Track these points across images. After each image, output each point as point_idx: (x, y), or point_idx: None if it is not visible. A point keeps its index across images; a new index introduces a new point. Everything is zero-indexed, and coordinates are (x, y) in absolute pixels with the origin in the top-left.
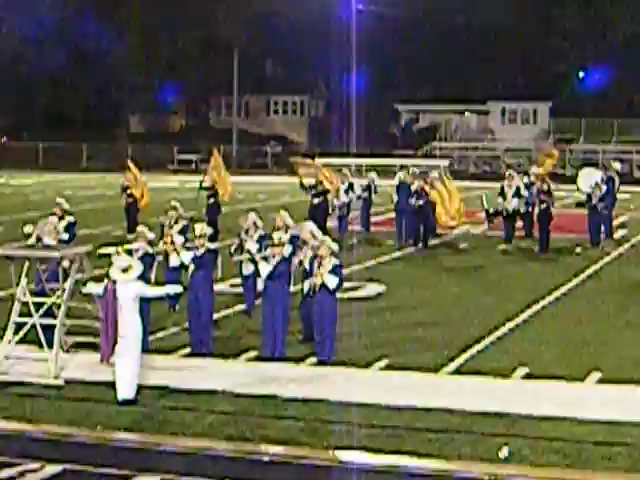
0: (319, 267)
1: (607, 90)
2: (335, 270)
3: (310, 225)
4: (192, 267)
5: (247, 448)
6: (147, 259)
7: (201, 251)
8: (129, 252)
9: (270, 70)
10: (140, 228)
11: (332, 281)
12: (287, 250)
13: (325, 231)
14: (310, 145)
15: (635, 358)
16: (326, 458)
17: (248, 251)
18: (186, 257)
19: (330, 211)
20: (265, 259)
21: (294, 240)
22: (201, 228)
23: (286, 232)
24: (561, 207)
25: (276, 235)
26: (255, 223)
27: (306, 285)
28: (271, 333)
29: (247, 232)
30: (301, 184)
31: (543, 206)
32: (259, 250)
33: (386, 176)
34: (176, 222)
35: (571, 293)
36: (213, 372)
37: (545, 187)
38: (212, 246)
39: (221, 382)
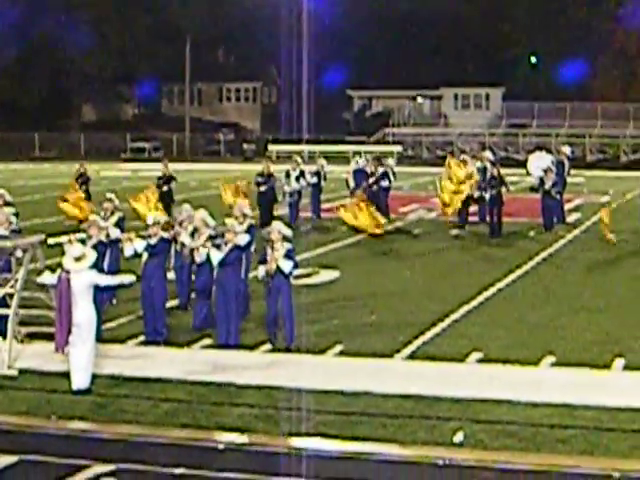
0: (272, 252)
1: (559, 74)
2: (289, 254)
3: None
4: (145, 256)
5: (202, 436)
6: (101, 248)
7: (155, 240)
8: (82, 241)
9: (222, 57)
10: (92, 217)
11: (287, 265)
12: (243, 238)
13: (272, 218)
14: (263, 132)
15: (589, 341)
16: (281, 445)
17: (182, 243)
18: (140, 246)
19: (280, 198)
20: (217, 247)
21: (252, 229)
22: (154, 217)
23: (243, 221)
24: (515, 191)
25: (229, 221)
26: (190, 216)
27: (260, 271)
28: (225, 321)
29: (181, 224)
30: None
31: (494, 191)
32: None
33: (339, 162)
34: (112, 214)
35: (525, 277)
36: (167, 360)
37: (496, 172)
38: (165, 235)
39: (175, 370)
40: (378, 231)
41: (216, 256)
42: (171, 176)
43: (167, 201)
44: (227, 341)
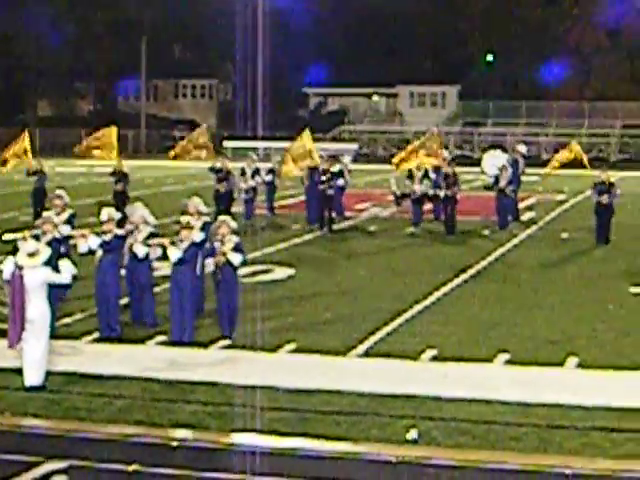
0: (221, 245)
1: (515, 73)
2: (237, 247)
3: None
4: (100, 252)
5: (155, 433)
6: (55, 244)
7: (109, 236)
8: (36, 237)
9: (178, 54)
10: (47, 213)
11: (236, 258)
12: (198, 236)
13: (230, 215)
14: (218, 129)
15: (543, 339)
16: (234, 442)
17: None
18: (94, 242)
19: (236, 195)
20: (174, 244)
21: (207, 226)
22: (108, 213)
23: (199, 218)
24: (469, 190)
25: (184, 219)
26: (143, 217)
27: (210, 264)
28: (179, 318)
29: (137, 227)
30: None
31: (449, 189)
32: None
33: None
34: (62, 211)
35: (479, 275)
36: (121, 357)
37: (450, 170)
38: (120, 231)
39: (129, 367)
40: None
41: (174, 253)
42: (124, 173)
43: (122, 198)
44: (181, 338)
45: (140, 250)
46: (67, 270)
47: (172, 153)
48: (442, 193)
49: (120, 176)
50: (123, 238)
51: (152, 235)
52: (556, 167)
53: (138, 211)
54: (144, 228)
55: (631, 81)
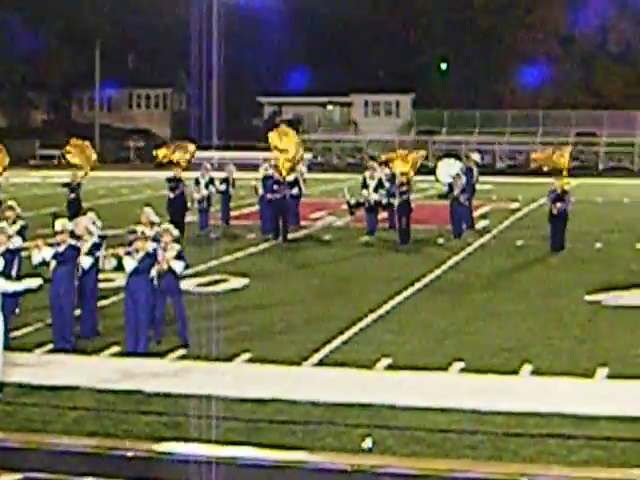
0: (163, 253)
1: (469, 82)
2: (180, 255)
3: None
4: (54, 263)
5: (110, 444)
6: (8, 255)
7: (62, 247)
8: None
9: (132, 64)
10: (0, 224)
11: (178, 265)
12: (151, 246)
13: (183, 224)
14: (173, 139)
15: (498, 347)
16: (189, 452)
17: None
18: (47, 253)
19: (190, 205)
20: (129, 254)
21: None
22: (62, 224)
23: (151, 228)
24: (424, 198)
25: (140, 229)
26: (87, 228)
27: (152, 271)
28: (133, 328)
29: (81, 238)
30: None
31: (403, 197)
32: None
33: (249, 169)
34: (14, 222)
35: (434, 284)
36: (75, 368)
37: (405, 179)
38: (73, 242)
39: (84, 378)
40: None
41: (129, 264)
42: (78, 183)
43: (75, 209)
44: (135, 349)
45: (85, 261)
46: (29, 282)
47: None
48: (396, 202)
49: (74, 186)
50: (77, 249)
51: (95, 246)
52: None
53: (82, 222)
54: (89, 239)
55: (584, 89)
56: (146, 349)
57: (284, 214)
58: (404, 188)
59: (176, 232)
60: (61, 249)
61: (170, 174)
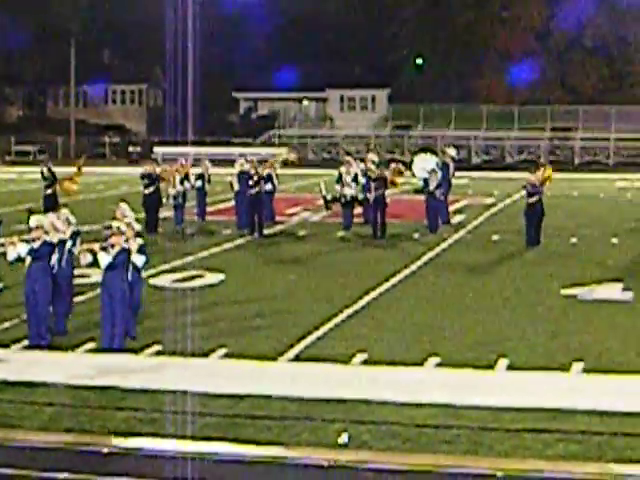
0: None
1: (445, 76)
2: (141, 249)
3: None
4: (29, 259)
5: (86, 440)
6: (46, 248)
7: (38, 243)
8: None
9: (108, 59)
10: (35, 220)
11: (140, 260)
12: (126, 242)
13: (157, 220)
14: (148, 134)
15: (473, 342)
16: (166, 448)
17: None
18: (22, 250)
19: (165, 201)
20: (104, 249)
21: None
22: (37, 220)
23: (128, 224)
24: (399, 193)
25: (115, 224)
26: (53, 224)
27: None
28: (110, 324)
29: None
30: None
31: (378, 192)
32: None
33: (225, 165)
34: None
35: (409, 279)
36: (51, 364)
37: (380, 173)
38: (49, 238)
39: (59, 374)
40: None
41: (104, 259)
42: (55, 177)
43: (51, 204)
44: (111, 345)
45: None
46: None
47: None
48: (372, 196)
49: (51, 181)
50: (53, 245)
51: (61, 242)
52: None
53: (48, 217)
54: (54, 235)
55: (560, 85)
56: (122, 345)
57: (260, 209)
58: (379, 183)
59: (138, 226)
60: (36, 245)
61: (144, 170)
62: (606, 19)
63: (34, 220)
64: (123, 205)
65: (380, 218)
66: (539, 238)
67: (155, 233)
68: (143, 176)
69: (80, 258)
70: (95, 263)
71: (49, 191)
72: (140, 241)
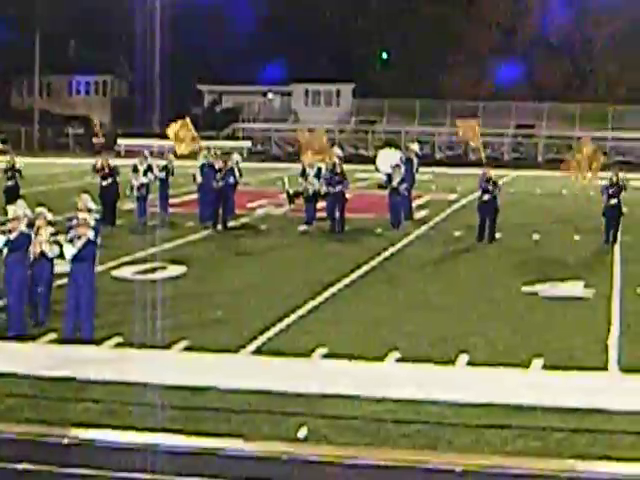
0: (36, 236)
1: (410, 72)
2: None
3: None
4: (5, 250)
5: (46, 431)
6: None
7: (14, 234)
8: None
9: (73, 50)
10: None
11: (53, 250)
12: (92, 233)
13: (115, 213)
14: (113, 126)
15: (433, 337)
16: (127, 441)
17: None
18: None
19: (128, 192)
20: (71, 241)
21: (97, 224)
22: (14, 211)
23: (90, 215)
24: (364, 188)
25: (81, 215)
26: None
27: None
28: (73, 316)
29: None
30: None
31: (339, 187)
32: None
33: (188, 157)
34: None
35: (371, 273)
36: (12, 355)
37: (339, 168)
38: (26, 229)
39: (20, 365)
40: None
41: (69, 251)
42: (17, 169)
43: (13, 195)
44: (73, 335)
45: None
46: None
47: None
48: (336, 191)
49: (13, 172)
50: (29, 236)
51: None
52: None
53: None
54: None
55: (525, 81)
56: (91, 337)
57: (225, 203)
58: (338, 178)
59: (50, 216)
60: (13, 236)
61: (99, 164)
62: (571, 18)
63: (11, 211)
64: (85, 196)
65: (339, 212)
66: (494, 234)
67: (113, 226)
68: (97, 169)
69: (48, 249)
70: (61, 255)
71: (11, 182)
72: (52, 229)
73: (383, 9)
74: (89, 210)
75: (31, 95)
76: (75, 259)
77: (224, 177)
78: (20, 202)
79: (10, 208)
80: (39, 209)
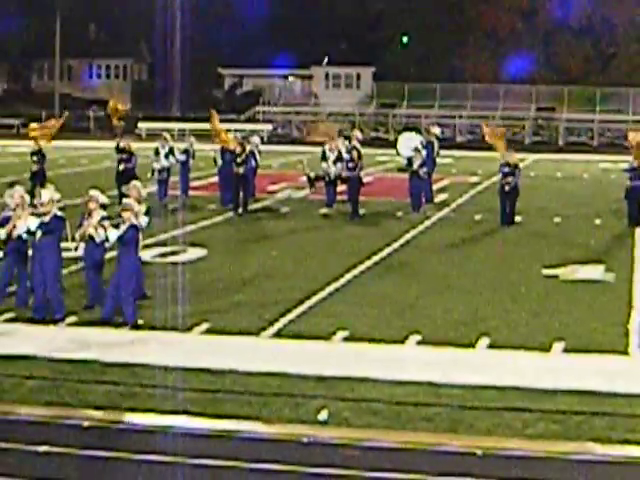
0: (87, 219)
1: (430, 55)
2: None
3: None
4: (39, 233)
5: (66, 413)
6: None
7: (48, 217)
8: None
9: (93, 33)
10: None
11: (99, 234)
12: (144, 220)
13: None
14: (133, 109)
15: (454, 320)
16: (147, 423)
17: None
18: (32, 224)
19: (149, 175)
20: (116, 226)
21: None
22: (48, 194)
23: (139, 203)
24: (384, 171)
25: (127, 201)
26: (23, 197)
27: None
28: (114, 297)
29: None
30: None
31: (354, 171)
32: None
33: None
34: None
35: (392, 257)
36: (32, 337)
37: (355, 153)
38: (59, 212)
39: (40, 347)
40: None
41: (113, 235)
42: (42, 153)
43: (39, 179)
44: (110, 318)
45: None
46: None
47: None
48: (351, 175)
49: (39, 156)
50: (63, 219)
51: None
52: None
53: (17, 191)
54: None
55: (545, 64)
56: (134, 319)
57: (245, 186)
58: (353, 163)
59: (103, 198)
60: (46, 219)
61: (121, 144)
62: (592, 0)
63: (45, 194)
64: (137, 184)
65: (352, 196)
66: (513, 218)
67: None
68: (120, 150)
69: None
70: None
71: (36, 167)
72: (103, 213)
73: None
74: (139, 201)
75: (52, 79)
76: (119, 243)
77: (244, 161)
78: (50, 187)
79: (44, 191)
80: (92, 192)
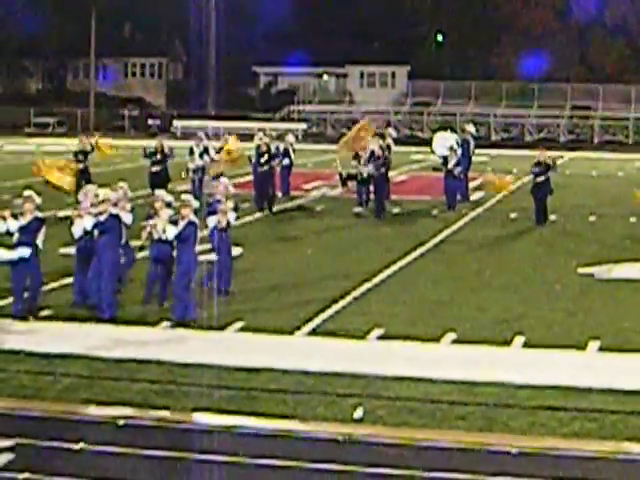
0: (155, 218)
1: (465, 53)
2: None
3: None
4: (96, 233)
5: (102, 411)
6: (35, 224)
7: (104, 217)
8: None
9: (128, 32)
10: (27, 192)
11: (171, 231)
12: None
13: None
14: (168, 108)
15: (490, 319)
16: (183, 420)
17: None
18: (89, 223)
19: (184, 175)
20: (175, 223)
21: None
22: (105, 193)
23: (227, 199)
24: (419, 170)
25: (185, 197)
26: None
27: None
28: (181, 295)
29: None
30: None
31: (382, 170)
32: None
33: (244, 139)
34: None
35: (427, 255)
36: (68, 335)
37: (380, 152)
38: (115, 211)
39: (76, 345)
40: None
41: (171, 231)
42: (85, 152)
43: (86, 177)
44: (185, 315)
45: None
46: (21, 252)
47: None
48: (376, 174)
49: (84, 155)
50: (119, 218)
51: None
52: None
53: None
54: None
55: (580, 62)
56: (196, 315)
57: (270, 186)
58: (380, 162)
59: (169, 197)
60: (102, 218)
61: (152, 145)
62: None
63: (101, 193)
64: (226, 180)
65: (377, 196)
66: (546, 216)
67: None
68: (152, 153)
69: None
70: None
71: (82, 166)
72: (170, 212)
73: None
74: (227, 197)
75: (87, 78)
76: (177, 240)
77: (267, 161)
78: (93, 187)
79: (100, 191)
80: (158, 191)
